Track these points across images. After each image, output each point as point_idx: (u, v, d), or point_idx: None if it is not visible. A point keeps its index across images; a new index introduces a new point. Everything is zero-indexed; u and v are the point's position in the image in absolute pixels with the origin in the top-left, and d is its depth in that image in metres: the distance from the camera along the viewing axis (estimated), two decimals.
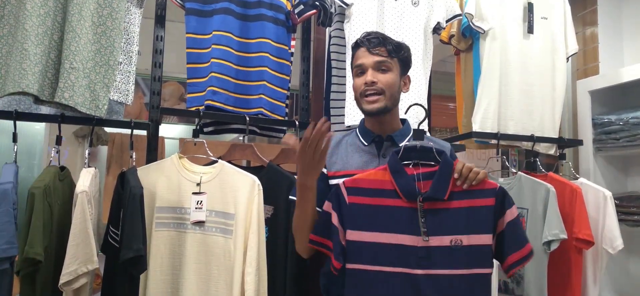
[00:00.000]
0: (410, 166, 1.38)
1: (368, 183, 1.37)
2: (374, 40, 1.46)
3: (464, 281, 1.31)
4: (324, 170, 1.51)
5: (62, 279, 1.34)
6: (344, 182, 1.38)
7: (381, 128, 1.51)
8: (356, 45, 1.49)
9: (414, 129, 1.44)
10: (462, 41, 2.29)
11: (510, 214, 1.34)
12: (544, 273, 1.91)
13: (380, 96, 1.44)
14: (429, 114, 2.15)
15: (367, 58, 1.45)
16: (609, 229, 2.01)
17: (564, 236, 1.88)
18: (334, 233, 1.34)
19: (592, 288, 2.03)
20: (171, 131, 3.65)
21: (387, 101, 1.45)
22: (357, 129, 1.56)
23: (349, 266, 1.33)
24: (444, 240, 1.33)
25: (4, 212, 1.35)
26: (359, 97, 1.47)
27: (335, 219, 1.34)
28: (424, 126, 2.05)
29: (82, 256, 1.36)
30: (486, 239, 1.33)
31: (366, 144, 1.51)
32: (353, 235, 1.34)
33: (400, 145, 1.49)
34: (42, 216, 1.38)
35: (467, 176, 1.34)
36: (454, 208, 1.34)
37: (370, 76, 1.43)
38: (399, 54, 1.48)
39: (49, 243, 1.42)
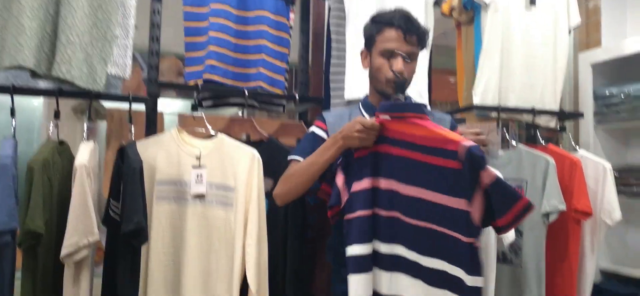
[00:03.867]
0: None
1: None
2: (408, 26, 1.44)
3: (429, 234, 1.33)
4: (325, 136, 1.53)
5: (64, 251, 1.35)
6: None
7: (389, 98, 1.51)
8: (388, 24, 1.46)
9: (395, 82, 1.44)
10: (463, 14, 2.26)
11: (488, 176, 1.25)
12: (542, 243, 1.93)
13: (405, 84, 1.46)
14: (429, 88, 2.14)
15: (401, 45, 1.44)
16: (607, 201, 2.02)
17: (563, 207, 1.89)
18: (340, 191, 1.38)
19: (589, 258, 2.05)
20: (170, 106, 3.64)
21: (406, 87, 1.48)
22: (361, 104, 1.56)
23: (352, 215, 1.36)
24: (414, 190, 1.35)
25: (4, 186, 1.35)
26: (382, 80, 1.47)
27: (340, 180, 1.39)
28: (425, 100, 2.06)
29: (82, 229, 1.37)
30: (459, 203, 1.29)
31: (369, 117, 1.51)
32: (356, 186, 1.38)
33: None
34: (42, 190, 1.39)
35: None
36: (429, 163, 1.33)
37: (401, 65, 1.43)
38: (423, 44, 1.49)
39: (49, 217, 1.43)
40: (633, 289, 2.18)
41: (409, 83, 1.49)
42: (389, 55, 1.45)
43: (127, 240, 1.42)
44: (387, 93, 1.47)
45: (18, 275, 1.39)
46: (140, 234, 1.41)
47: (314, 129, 1.57)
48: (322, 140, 1.51)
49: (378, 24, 1.48)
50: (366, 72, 1.56)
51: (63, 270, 1.40)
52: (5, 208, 1.34)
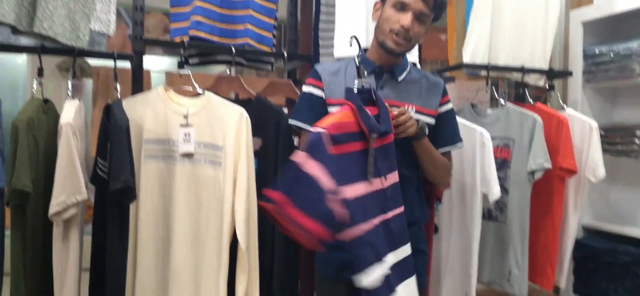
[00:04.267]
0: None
1: (344, 127, 1.24)
2: None
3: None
4: (323, 95, 1.49)
5: (52, 210, 1.35)
6: (327, 128, 1.21)
7: (385, 61, 1.50)
8: None
9: (356, 65, 1.42)
10: None
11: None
12: (527, 201, 1.97)
13: (407, 43, 1.45)
14: (419, 46, 2.12)
15: (415, 1, 1.41)
16: (592, 159, 2.05)
17: (549, 165, 1.92)
18: (313, 192, 1.12)
19: (572, 215, 2.10)
20: (157, 64, 3.59)
21: (410, 47, 1.47)
22: (358, 58, 1.53)
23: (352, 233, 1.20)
24: (395, 176, 1.35)
25: None
26: (386, 30, 1.44)
27: (318, 171, 1.13)
28: (415, 59, 2.05)
29: (70, 188, 1.37)
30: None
31: (366, 74, 1.50)
32: (348, 191, 1.20)
33: (399, 79, 1.49)
34: (27, 149, 1.38)
35: (401, 125, 1.38)
36: (392, 143, 1.34)
37: (409, 21, 1.41)
38: (438, 13, 1.46)
39: (36, 175, 1.42)
40: (613, 244, 2.25)
41: (413, 45, 1.47)
42: (401, 8, 1.42)
43: (115, 199, 1.42)
44: (388, 46, 1.45)
45: (8, 233, 1.40)
46: (128, 193, 1.41)
47: (310, 88, 1.52)
48: (320, 99, 1.48)
49: None
50: (357, 30, 1.54)
51: (52, 228, 1.41)
52: None
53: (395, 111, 1.37)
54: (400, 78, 1.51)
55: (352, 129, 1.24)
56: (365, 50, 1.56)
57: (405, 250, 1.35)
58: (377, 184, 1.27)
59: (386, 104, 1.39)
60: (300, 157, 1.10)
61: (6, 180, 1.36)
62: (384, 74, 1.50)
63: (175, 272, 1.60)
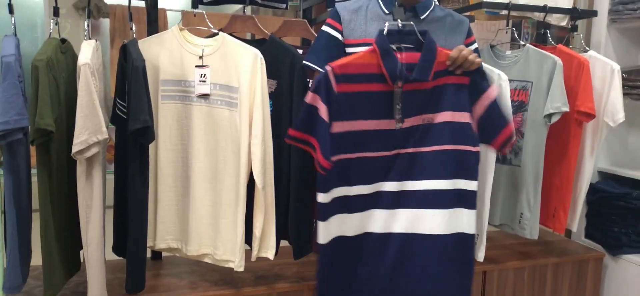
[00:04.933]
0: (394, 49, 1.34)
1: (357, 67, 1.31)
2: None
3: (438, 157, 1.36)
4: (340, 37, 1.48)
5: (74, 148, 1.40)
6: (332, 68, 1.31)
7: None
8: None
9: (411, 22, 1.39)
10: None
11: (487, 97, 1.34)
12: (543, 144, 1.95)
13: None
14: None
15: None
16: (611, 103, 2.01)
17: (566, 108, 1.89)
18: (322, 128, 1.29)
19: (588, 159, 2.09)
20: (173, 2, 3.55)
21: None
22: None
23: (332, 157, 1.33)
24: (417, 119, 1.36)
25: (11, 84, 1.37)
26: None
27: (323, 113, 1.29)
28: None
29: (91, 127, 1.40)
30: (461, 116, 1.35)
31: (387, 12, 1.47)
32: (338, 126, 1.32)
33: (422, 17, 1.46)
34: (48, 88, 1.40)
35: (461, 64, 1.34)
36: (431, 88, 1.35)
37: None
38: None
39: (58, 115, 1.46)
40: (627, 189, 2.24)
41: None
42: None
43: (135, 138, 1.46)
44: (403, 1, 1.41)
45: (34, 171, 1.46)
46: (147, 133, 1.45)
47: (327, 29, 1.51)
48: (337, 41, 1.46)
49: None
50: None
51: (76, 166, 1.46)
52: (14, 107, 1.36)
53: (453, 53, 1.35)
54: (423, 16, 1.47)
55: (371, 70, 1.30)
56: None
57: (423, 184, 1.37)
58: (387, 124, 1.33)
59: (437, 47, 1.36)
60: (309, 95, 1.28)
61: (29, 120, 1.40)
62: (406, 12, 1.47)
63: (195, 208, 1.66)
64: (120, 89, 1.56)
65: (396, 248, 1.39)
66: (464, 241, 1.40)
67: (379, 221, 1.39)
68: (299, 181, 1.70)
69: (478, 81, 1.34)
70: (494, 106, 1.36)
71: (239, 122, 1.61)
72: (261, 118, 1.59)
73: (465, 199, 1.39)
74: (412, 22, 1.36)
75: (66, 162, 1.50)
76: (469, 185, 1.39)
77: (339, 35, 1.48)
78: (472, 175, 1.38)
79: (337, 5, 1.53)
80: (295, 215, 1.71)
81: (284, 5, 2.03)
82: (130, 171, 1.50)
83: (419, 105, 1.35)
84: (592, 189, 2.29)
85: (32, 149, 1.46)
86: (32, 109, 1.39)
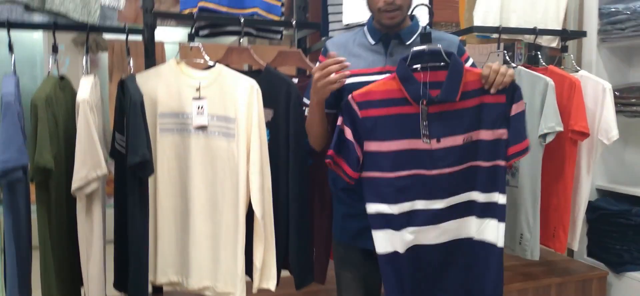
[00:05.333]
0: (419, 70, 1.39)
1: (378, 94, 1.39)
2: None
3: (479, 172, 1.41)
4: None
5: (74, 185, 1.41)
6: (353, 97, 1.39)
7: (389, 28, 1.49)
8: None
9: (420, 33, 1.45)
10: None
11: (517, 107, 1.40)
12: (539, 165, 1.97)
13: (400, 11, 1.43)
14: (430, 10, 2.10)
15: None
16: (605, 121, 2.03)
17: (560, 128, 1.91)
18: (349, 148, 1.38)
19: (585, 178, 2.10)
20: (171, 35, 3.60)
21: (404, 13, 1.46)
22: (365, 28, 1.53)
23: (368, 174, 1.40)
24: (457, 140, 1.40)
25: (10, 123, 1.39)
26: (375, 10, 1.45)
27: (349, 134, 1.38)
28: (425, 20, 2.02)
29: (90, 162, 1.41)
30: (500, 133, 1.40)
31: (373, 42, 1.50)
32: (371, 146, 1.39)
33: (407, 43, 1.48)
34: (48, 126, 1.42)
35: (494, 81, 1.36)
36: (466, 108, 1.39)
37: None
38: None
39: (57, 151, 1.47)
40: (626, 205, 2.25)
41: (406, 7, 1.45)
42: None
43: (134, 172, 1.47)
44: (384, 24, 1.45)
45: (34, 208, 1.46)
46: (146, 167, 1.46)
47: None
48: None
49: None
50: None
51: (76, 202, 1.46)
52: (14, 145, 1.38)
53: (484, 71, 1.39)
54: (409, 42, 1.50)
55: (394, 95, 1.39)
56: (372, 18, 1.55)
57: (457, 198, 1.43)
58: (421, 144, 1.39)
59: (467, 67, 1.41)
60: (339, 120, 1.40)
61: (29, 157, 1.41)
62: (391, 41, 1.50)
63: (195, 240, 1.66)
64: (118, 124, 1.58)
65: (444, 254, 1.45)
66: (492, 252, 1.45)
67: (428, 235, 1.44)
68: (298, 209, 1.71)
69: (511, 93, 1.39)
70: (519, 118, 1.41)
71: (237, 153, 1.62)
72: (259, 147, 1.60)
73: (498, 212, 1.44)
74: (439, 45, 1.40)
75: (65, 198, 1.51)
76: (501, 199, 1.43)
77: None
78: (503, 188, 1.44)
79: (326, 42, 1.58)
80: (295, 244, 1.71)
81: (279, 36, 2.06)
82: (129, 205, 1.51)
83: (454, 126, 1.39)
84: (592, 207, 2.29)
85: (31, 186, 1.47)
86: (32, 146, 1.41)
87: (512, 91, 1.39)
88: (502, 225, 1.45)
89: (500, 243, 1.45)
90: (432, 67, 1.39)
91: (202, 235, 1.65)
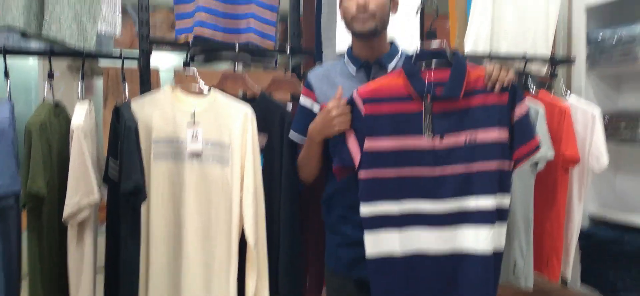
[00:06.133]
0: (424, 69, 1.42)
1: (383, 90, 1.42)
2: None
3: (484, 175, 1.39)
4: (314, 104, 1.54)
5: (66, 212, 1.40)
6: (358, 92, 1.41)
7: (370, 53, 1.51)
8: None
9: (427, 31, 1.46)
10: None
11: (520, 110, 1.41)
12: (531, 191, 1.98)
13: (373, 18, 1.44)
14: (422, 33, 2.13)
15: None
16: (595, 147, 2.06)
17: (551, 155, 1.93)
18: (351, 151, 1.41)
19: (577, 205, 2.11)
20: (166, 60, 3.62)
21: (377, 22, 1.45)
22: (345, 57, 1.56)
23: (366, 174, 1.40)
24: (459, 138, 1.40)
25: (3, 149, 1.38)
26: (349, 19, 1.47)
27: (351, 141, 1.41)
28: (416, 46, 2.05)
29: (83, 189, 1.41)
30: (503, 134, 1.40)
31: (355, 70, 1.52)
32: (371, 143, 1.40)
33: (389, 68, 1.50)
34: (41, 152, 1.42)
35: (497, 79, 1.38)
36: (469, 107, 1.40)
37: None
38: None
39: (50, 178, 1.47)
40: (619, 233, 2.26)
41: (379, 17, 1.46)
42: None
43: (127, 199, 1.47)
44: (357, 31, 1.46)
45: (25, 235, 1.45)
46: (139, 193, 1.46)
47: (302, 100, 1.60)
48: (311, 112, 1.54)
49: None
50: None
51: (67, 230, 1.45)
52: (7, 171, 1.37)
53: (488, 68, 1.40)
54: (390, 66, 1.52)
55: (399, 91, 1.40)
56: (350, 46, 1.57)
57: (472, 200, 1.40)
58: (423, 141, 1.39)
59: (471, 66, 1.42)
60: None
61: (21, 183, 1.41)
62: (372, 67, 1.52)
63: (187, 270, 1.64)
64: (112, 150, 1.58)
65: (450, 267, 1.40)
66: (498, 259, 1.43)
67: (429, 240, 1.40)
68: (290, 236, 1.70)
69: (512, 94, 1.40)
70: (524, 119, 1.41)
71: (231, 179, 1.62)
72: (252, 174, 1.60)
73: (504, 215, 1.42)
74: (444, 40, 1.43)
75: (57, 225, 1.50)
76: (506, 199, 1.42)
77: (313, 105, 1.56)
78: (509, 190, 1.43)
79: (309, 74, 1.61)
80: (286, 271, 1.70)
81: (274, 63, 2.09)
82: (121, 232, 1.50)
83: (457, 123, 1.40)
84: (585, 234, 2.30)
85: (23, 213, 1.46)
86: (24, 172, 1.41)
87: (513, 92, 1.40)
88: (505, 226, 1.43)
89: (503, 246, 1.43)
90: (436, 66, 1.42)
91: (195, 263, 1.64)
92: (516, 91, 1.41)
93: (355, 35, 1.49)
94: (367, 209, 1.40)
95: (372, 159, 1.40)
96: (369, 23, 1.44)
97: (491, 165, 1.39)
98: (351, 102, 1.42)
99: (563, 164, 2.00)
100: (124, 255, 1.49)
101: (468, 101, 1.39)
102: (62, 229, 1.46)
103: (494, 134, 1.39)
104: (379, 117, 1.40)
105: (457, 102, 1.39)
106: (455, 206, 1.40)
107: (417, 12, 1.99)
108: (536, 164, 1.95)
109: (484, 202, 1.39)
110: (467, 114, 1.40)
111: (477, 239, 1.38)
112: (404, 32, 2.01)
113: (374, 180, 1.40)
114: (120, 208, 1.50)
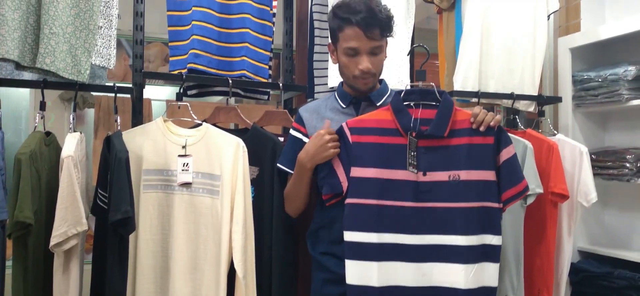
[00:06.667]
0: (412, 106, 1.45)
1: (371, 122, 1.46)
2: (369, 21, 1.41)
3: (465, 213, 1.41)
4: (305, 138, 1.56)
5: (53, 241, 1.38)
6: (347, 123, 1.46)
7: (360, 91, 1.54)
8: (347, 22, 1.43)
9: (417, 71, 1.51)
10: (444, 0, 2.29)
11: (507, 153, 1.44)
12: (521, 226, 1.99)
13: (374, 77, 1.50)
14: (412, 73, 2.18)
15: (362, 42, 1.43)
16: (583, 183, 2.08)
17: (540, 190, 1.95)
18: (340, 178, 1.44)
19: (566, 240, 2.12)
20: (158, 93, 3.65)
21: (377, 78, 1.53)
22: (336, 93, 1.60)
23: (351, 200, 1.42)
24: (443, 175, 1.42)
25: None
26: (350, 77, 1.50)
27: (340, 170, 1.43)
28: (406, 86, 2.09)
29: (71, 219, 1.40)
30: (487, 175, 1.42)
31: (344, 106, 1.55)
32: (357, 171, 1.43)
33: (378, 105, 1.53)
34: (30, 181, 1.41)
35: (482, 121, 1.41)
36: (454, 145, 1.43)
37: (366, 62, 1.45)
38: (389, 33, 1.48)
39: (38, 207, 1.46)
40: (608, 268, 2.26)
41: (379, 73, 1.52)
42: (354, 53, 1.45)
43: (115, 229, 1.45)
44: (359, 89, 1.51)
45: (9, 264, 1.42)
46: (128, 224, 1.44)
47: (293, 132, 1.62)
48: (302, 142, 1.56)
49: (339, 20, 1.45)
50: None
51: (53, 259, 1.43)
52: None
53: (475, 110, 1.44)
54: (379, 103, 1.55)
55: (387, 125, 1.44)
56: (342, 83, 1.60)
57: (451, 239, 1.41)
58: (406, 175, 1.42)
59: (458, 106, 1.46)
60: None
61: (8, 212, 1.39)
62: (361, 103, 1.55)
63: None
64: (102, 180, 1.57)
65: None
66: (488, 294, 1.43)
67: (405, 274, 1.41)
68: (280, 268, 1.69)
69: (498, 136, 1.43)
70: (511, 162, 1.44)
71: (221, 210, 1.61)
72: (243, 205, 1.60)
73: (491, 254, 1.43)
74: (432, 83, 1.46)
75: (43, 255, 1.48)
76: (494, 240, 1.43)
77: (303, 137, 1.58)
78: (497, 230, 1.44)
79: (300, 109, 1.65)
80: None
81: (266, 97, 2.11)
82: (108, 263, 1.48)
83: (441, 161, 1.42)
84: (575, 269, 2.30)
85: (8, 242, 1.44)
86: (12, 201, 1.39)
87: (499, 134, 1.43)
88: (497, 266, 1.44)
89: (494, 283, 1.43)
90: (424, 105, 1.45)
91: (182, 294, 1.61)
92: (502, 133, 1.45)
93: (354, 89, 1.53)
94: (349, 237, 1.42)
95: (356, 187, 1.42)
96: (371, 82, 1.50)
97: (472, 204, 1.42)
98: (340, 132, 1.46)
99: (552, 199, 2.01)
100: (111, 285, 1.46)
101: (453, 140, 1.43)
102: (48, 259, 1.44)
103: (477, 174, 1.42)
104: (366, 147, 1.43)
105: (443, 140, 1.42)
106: (433, 241, 1.42)
107: (408, 54, 2.04)
108: (526, 199, 1.96)
109: (461, 240, 1.41)
110: (451, 153, 1.43)
111: (455, 275, 1.40)
112: (395, 73, 2.06)
113: (359, 207, 1.42)
114: (108, 237, 1.48)
